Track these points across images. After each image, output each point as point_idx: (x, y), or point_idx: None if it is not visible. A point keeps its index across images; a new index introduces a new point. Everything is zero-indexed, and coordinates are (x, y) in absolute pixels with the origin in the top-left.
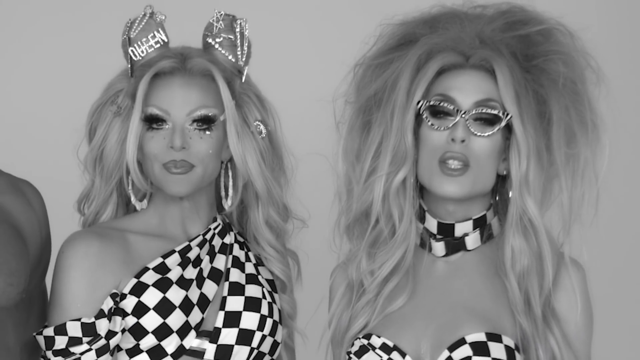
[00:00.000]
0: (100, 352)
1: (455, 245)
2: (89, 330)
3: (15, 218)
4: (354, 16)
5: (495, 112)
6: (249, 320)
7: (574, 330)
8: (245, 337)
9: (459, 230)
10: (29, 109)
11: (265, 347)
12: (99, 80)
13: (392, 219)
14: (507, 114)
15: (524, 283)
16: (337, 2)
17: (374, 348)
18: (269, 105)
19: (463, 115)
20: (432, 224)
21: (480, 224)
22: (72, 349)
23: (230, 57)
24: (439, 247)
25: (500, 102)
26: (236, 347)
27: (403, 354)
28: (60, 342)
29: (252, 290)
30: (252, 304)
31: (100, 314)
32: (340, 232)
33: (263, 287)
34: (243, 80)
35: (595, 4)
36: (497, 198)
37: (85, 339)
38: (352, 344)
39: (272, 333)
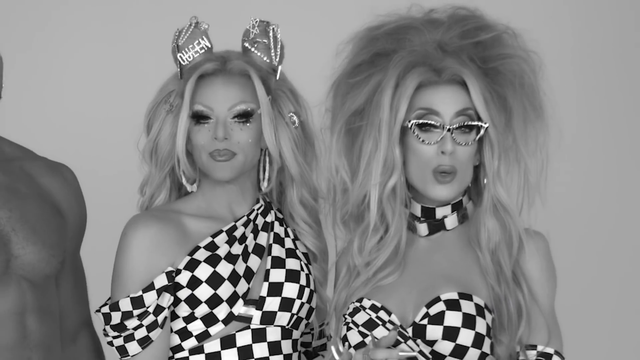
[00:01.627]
0: (150, 328)
1: (436, 225)
2: (138, 303)
3: (54, 197)
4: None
5: (475, 123)
6: (290, 290)
7: (539, 286)
8: (286, 304)
9: (439, 213)
10: (79, 109)
11: (303, 313)
12: (142, 83)
13: (386, 219)
14: (484, 123)
15: (496, 254)
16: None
17: (364, 308)
18: (301, 99)
19: (449, 130)
20: (416, 209)
21: (457, 207)
22: (126, 323)
23: (265, 59)
24: (422, 228)
25: (474, 109)
26: (279, 314)
27: (389, 313)
28: (116, 317)
29: (292, 264)
30: (292, 276)
31: (149, 288)
32: (338, 223)
33: (301, 260)
34: (277, 78)
35: (533, 9)
36: (470, 184)
37: (135, 312)
38: (348, 308)
39: (309, 300)
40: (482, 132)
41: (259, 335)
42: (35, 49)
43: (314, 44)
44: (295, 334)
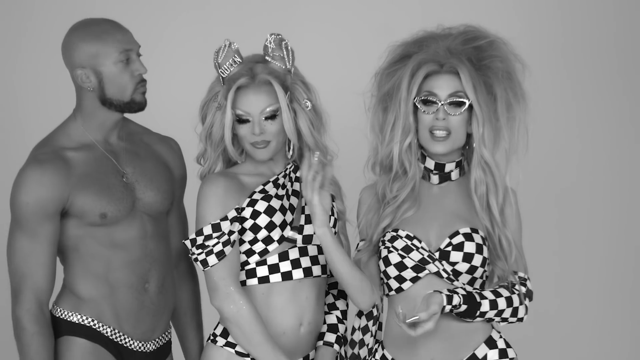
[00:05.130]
0: (224, 244)
1: (445, 176)
2: (217, 228)
3: (164, 158)
4: (375, 35)
5: (461, 99)
6: None
7: (514, 226)
8: None
9: (448, 168)
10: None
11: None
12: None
13: (404, 165)
14: (469, 100)
15: (485, 199)
16: (365, 26)
17: (401, 237)
18: (311, 86)
19: (442, 104)
20: (431, 164)
21: (458, 164)
22: (206, 243)
23: (281, 65)
24: (435, 178)
25: (464, 92)
26: (314, 236)
27: (419, 240)
28: (200, 239)
29: None
30: None
31: (224, 218)
32: (368, 169)
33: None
34: (292, 75)
35: (519, 22)
36: (467, 147)
37: (214, 234)
38: (384, 235)
39: (334, 225)
40: (466, 105)
41: (303, 251)
42: (149, 49)
43: (335, 55)
44: None
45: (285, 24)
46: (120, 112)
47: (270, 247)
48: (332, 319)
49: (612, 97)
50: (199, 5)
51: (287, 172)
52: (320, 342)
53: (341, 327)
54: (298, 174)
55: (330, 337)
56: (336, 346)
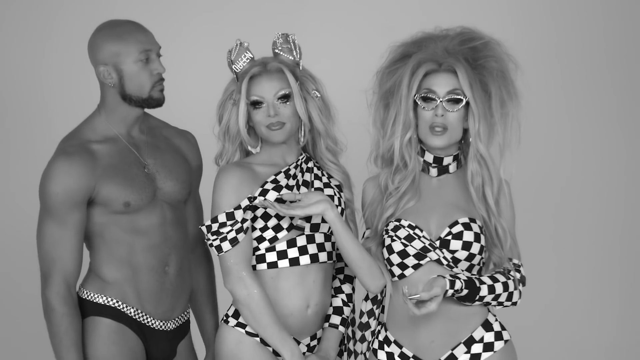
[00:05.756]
0: (237, 231)
1: (443, 169)
2: (230, 216)
3: (183, 151)
4: (377, 37)
5: (459, 97)
6: None
7: (508, 216)
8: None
9: (446, 161)
10: (196, 95)
11: None
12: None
13: (404, 159)
14: (466, 97)
15: (481, 190)
16: (369, 28)
17: (403, 227)
18: (318, 79)
19: (440, 101)
20: (430, 157)
21: (455, 158)
22: (221, 230)
23: (290, 57)
24: (433, 171)
25: (461, 90)
26: (322, 224)
27: (421, 230)
28: (215, 226)
29: (328, 191)
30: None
31: (238, 207)
32: (371, 162)
33: (334, 189)
34: (301, 69)
35: (512, 25)
36: (463, 142)
37: (228, 222)
38: (387, 224)
39: (341, 213)
40: (463, 102)
41: (310, 239)
42: (171, 50)
43: (339, 55)
44: (333, 238)
45: (293, 26)
46: (140, 107)
47: (280, 235)
48: (337, 302)
49: (601, 94)
50: (215, 7)
51: (299, 162)
52: (326, 324)
53: (346, 310)
54: (310, 165)
55: (336, 319)
56: (341, 328)
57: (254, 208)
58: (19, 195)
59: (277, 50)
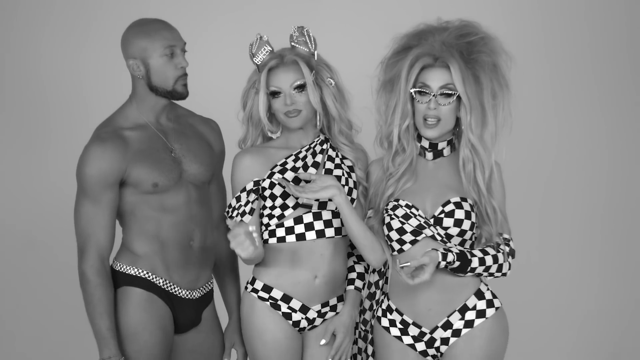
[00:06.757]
0: (242, 214)
1: (438, 153)
2: (238, 199)
3: (207, 137)
4: (383, 32)
5: (451, 91)
6: None
7: (499, 195)
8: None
9: (440, 146)
10: (219, 88)
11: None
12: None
13: (402, 144)
14: (457, 92)
15: (472, 175)
16: (374, 25)
17: (401, 206)
18: (333, 68)
19: (434, 95)
20: (425, 143)
21: (449, 143)
22: (232, 213)
23: (305, 49)
24: (429, 155)
25: (454, 85)
26: (329, 202)
27: (417, 209)
28: (229, 211)
29: (337, 172)
30: (337, 180)
31: (243, 190)
32: (377, 144)
33: (343, 169)
34: (316, 58)
35: (504, 19)
36: (457, 129)
37: (235, 205)
38: (387, 204)
39: (349, 193)
40: (454, 97)
41: (317, 216)
42: (197, 49)
43: (350, 48)
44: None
45: (308, 24)
46: (165, 98)
47: (287, 213)
48: (360, 268)
49: (585, 86)
50: (237, 7)
51: (313, 145)
52: (351, 287)
53: (366, 277)
54: (324, 146)
55: (359, 283)
56: (364, 292)
57: (263, 189)
58: (59, 178)
59: (293, 43)
